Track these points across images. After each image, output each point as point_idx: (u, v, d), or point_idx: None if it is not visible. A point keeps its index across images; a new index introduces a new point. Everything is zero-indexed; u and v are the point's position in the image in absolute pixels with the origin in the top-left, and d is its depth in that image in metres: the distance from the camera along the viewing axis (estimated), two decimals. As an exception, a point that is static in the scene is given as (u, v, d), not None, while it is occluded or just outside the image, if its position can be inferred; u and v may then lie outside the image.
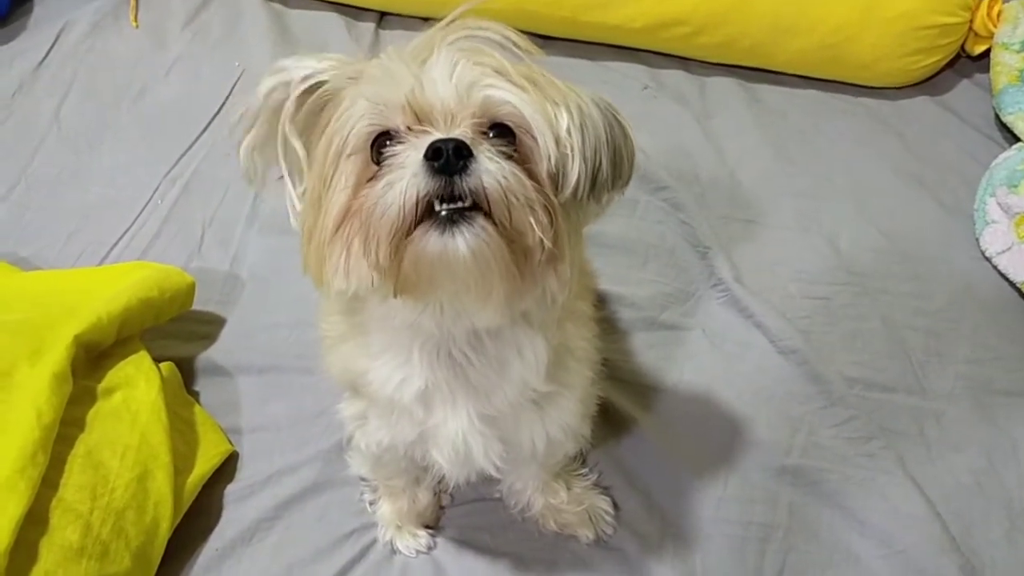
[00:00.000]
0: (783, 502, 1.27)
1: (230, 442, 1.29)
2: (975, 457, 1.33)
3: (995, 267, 1.57)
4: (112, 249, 1.55)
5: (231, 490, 1.26)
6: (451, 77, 0.73)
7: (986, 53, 1.90)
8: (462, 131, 0.73)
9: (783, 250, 1.61)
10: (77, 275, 1.35)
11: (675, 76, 1.95)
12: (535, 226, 0.72)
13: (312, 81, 0.79)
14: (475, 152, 0.70)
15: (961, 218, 1.67)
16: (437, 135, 0.72)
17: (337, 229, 0.75)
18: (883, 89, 1.92)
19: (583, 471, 1.28)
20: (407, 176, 0.71)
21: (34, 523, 1.02)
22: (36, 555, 1.01)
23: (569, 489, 1.23)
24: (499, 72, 0.75)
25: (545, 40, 1.96)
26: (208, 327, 1.44)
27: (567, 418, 0.99)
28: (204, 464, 1.23)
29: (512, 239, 0.73)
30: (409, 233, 0.71)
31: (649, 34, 1.91)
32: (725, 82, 1.94)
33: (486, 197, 0.70)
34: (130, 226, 1.58)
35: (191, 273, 1.41)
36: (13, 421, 1.06)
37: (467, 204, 0.71)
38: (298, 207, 0.83)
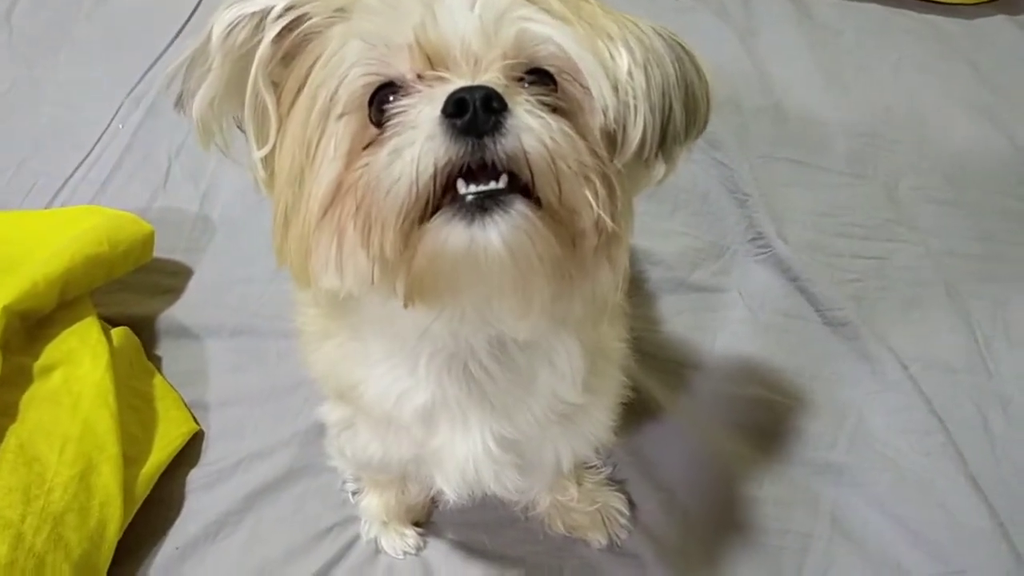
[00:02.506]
0: (825, 506, 1.11)
1: (195, 420, 1.14)
2: (1047, 453, 1.17)
3: (1077, 226, 1.38)
4: (67, 181, 1.39)
5: (195, 476, 1.11)
6: (473, 5, 0.56)
7: (1078, -36, 1.66)
8: (491, 77, 0.55)
9: (833, 198, 1.44)
10: (13, 221, 1.17)
11: (716, -16, 1.72)
12: (592, 202, 0.55)
13: (292, 16, 0.60)
14: (510, 104, 0.53)
15: (1040, 165, 1.47)
16: (459, 82, 0.54)
17: (325, 212, 0.57)
18: (956, 5, 1.70)
19: (597, 463, 1.12)
20: (420, 139, 0.53)
21: (-48, 536, 0.88)
22: (-46, 574, 0.87)
23: (580, 485, 1.07)
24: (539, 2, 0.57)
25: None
26: (173, 279, 1.27)
27: (596, 430, 0.83)
28: (163, 449, 1.08)
29: (562, 222, 0.55)
30: (424, 219, 0.54)
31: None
32: (773, -7, 1.71)
33: (528, 165, 0.53)
34: (87, 155, 1.42)
35: (155, 213, 1.26)
36: (-75, 412, 0.91)
37: (500, 185, 0.53)
38: (262, 175, 0.63)
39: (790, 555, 1.08)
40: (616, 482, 1.11)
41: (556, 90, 0.58)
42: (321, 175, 0.57)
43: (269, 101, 0.61)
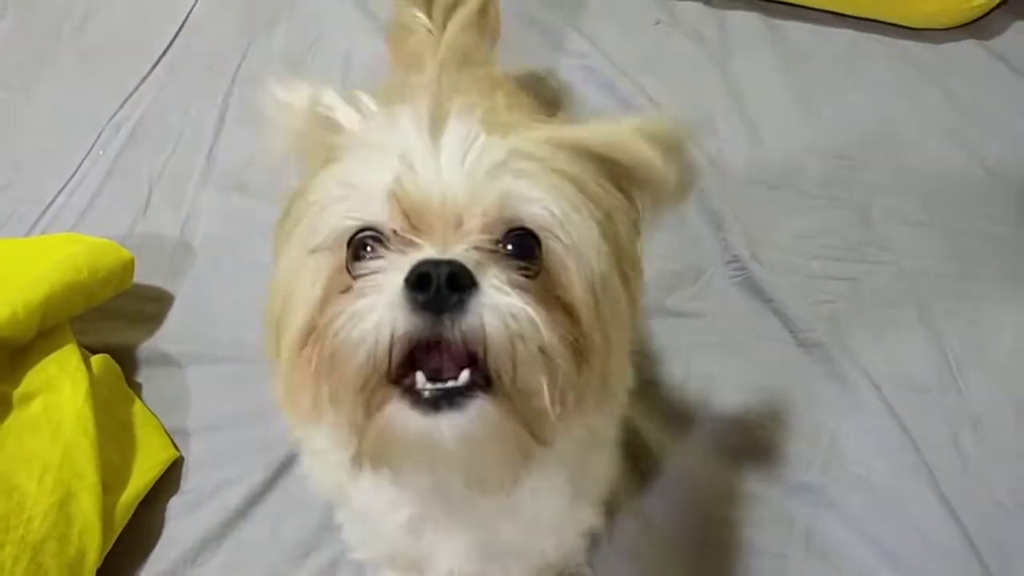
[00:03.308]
0: (800, 526, 1.12)
1: (175, 446, 1.15)
2: (1015, 469, 1.18)
3: (1047, 247, 1.40)
4: (48, 207, 1.38)
5: (174, 503, 1.12)
6: (462, 159, 0.54)
7: (1044, -9, 1.68)
8: (466, 246, 0.53)
9: (807, 220, 1.44)
10: (-6, 252, 1.17)
11: (691, 9, 1.75)
12: (547, 389, 0.53)
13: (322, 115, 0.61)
14: (479, 281, 0.52)
15: (1009, 186, 1.48)
16: (428, 252, 0.53)
17: (301, 347, 0.57)
18: (926, 31, 1.71)
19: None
20: (381, 307, 0.52)
21: (-69, 565, 0.88)
22: (-67, 604, 0.87)
23: None
24: (529, 156, 0.55)
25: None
26: (154, 306, 1.28)
27: (586, 522, 0.83)
28: (142, 476, 1.08)
29: (518, 405, 0.54)
30: (384, 383, 0.53)
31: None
32: (747, 18, 1.74)
33: (485, 346, 0.51)
34: (68, 180, 1.42)
35: (136, 240, 1.26)
36: (-94, 442, 0.90)
37: (459, 383, 0.52)
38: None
39: (767, 575, 1.09)
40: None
41: (537, 251, 0.56)
42: (297, 310, 0.57)
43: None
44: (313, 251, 0.57)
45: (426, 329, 0.51)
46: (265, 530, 1.10)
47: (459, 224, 0.54)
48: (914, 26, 1.70)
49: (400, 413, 0.53)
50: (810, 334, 1.28)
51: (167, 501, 1.11)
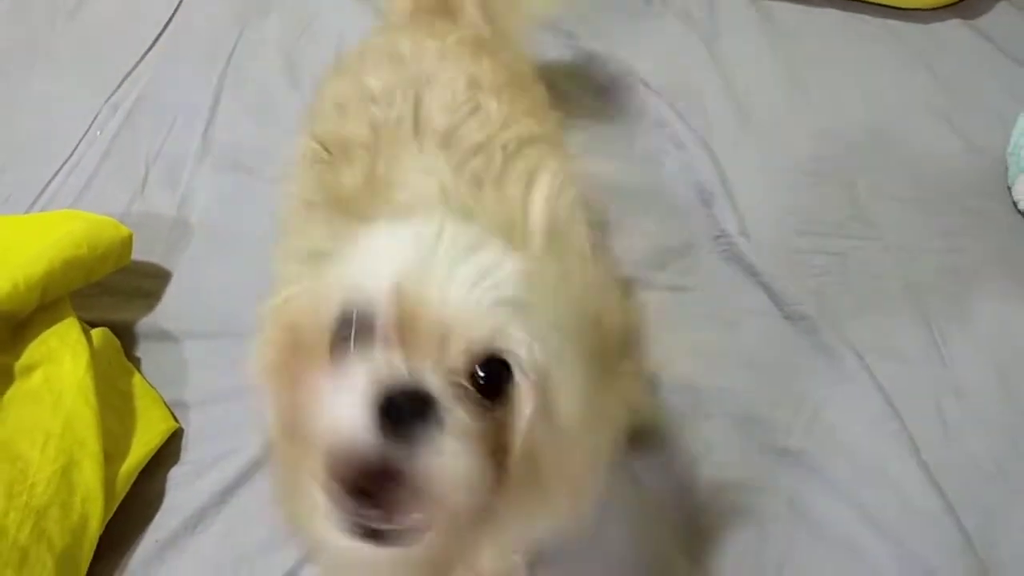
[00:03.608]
0: (784, 491, 1.15)
1: (174, 418, 1.16)
2: (998, 440, 1.21)
3: (1027, 220, 1.42)
4: (45, 188, 1.40)
5: (175, 473, 1.13)
6: (475, 285, 0.55)
7: (1029, -30, 1.71)
8: (444, 370, 0.54)
9: (795, 197, 1.47)
10: (-6, 227, 1.19)
11: (681, -10, 1.76)
12: (476, 527, 0.57)
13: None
14: (442, 419, 0.52)
15: (992, 162, 1.51)
16: (400, 374, 0.53)
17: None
18: (912, 11, 1.74)
19: None
20: (342, 415, 0.53)
21: (-63, 530, 0.90)
22: (-60, 567, 0.89)
23: None
24: (523, 305, 0.56)
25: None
26: (151, 283, 1.29)
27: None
28: (143, 446, 1.10)
29: (452, 533, 0.57)
30: (331, 479, 0.55)
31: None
32: (736, -1, 1.75)
33: (425, 492, 0.53)
34: (65, 162, 1.43)
35: (133, 218, 1.27)
36: (-89, 412, 0.93)
37: (391, 527, 0.54)
38: None
39: (751, 538, 1.11)
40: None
41: (509, 385, 0.57)
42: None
43: None
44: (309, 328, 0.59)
45: (377, 447, 0.52)
46: (264, 498, 1.12)
47: (445, 340, 0.55)
48: (901, 6, 1.73)
49: (336, 529, 0.55)
50: (796, 307, 1.31)
51: (167, 471, 1.13)
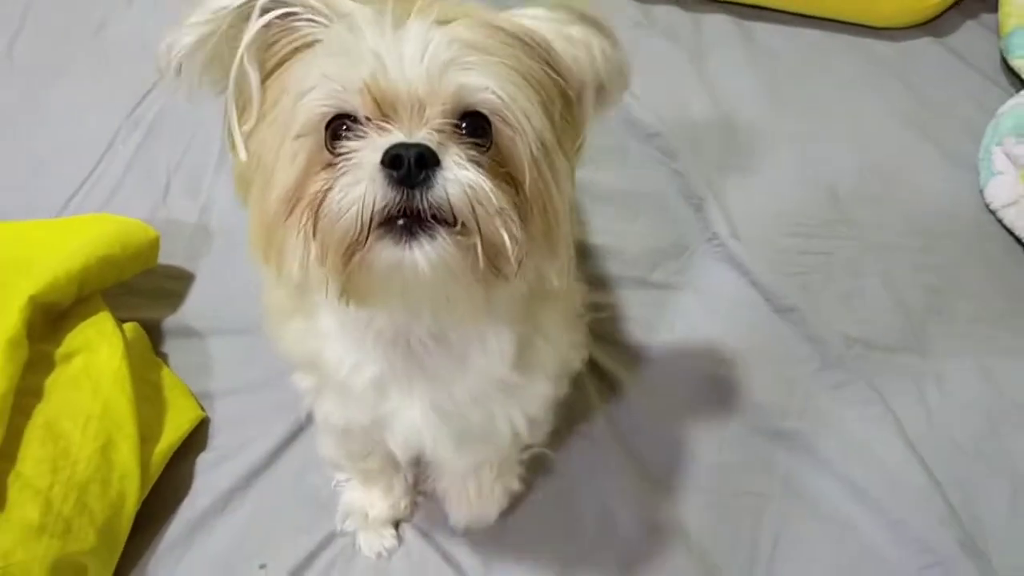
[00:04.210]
0: (779, 470, 1.22)
1: (201, 408, 1.22)
2: (977, 421, 1.29)
3: (1000, 220, 1.51)
4: (71, 199, 1.46)
5: (203, 458, 1.19)
6: (422, 57, 0.63)
7: (994, -8, 1.82)
8: (428, 129, 0.64)
9: (780, 201, 1.55)
10: (30, 228, 1.26)
11: (667, 12, 1.86)
12: (507, 238, 0.65)
13: (280, 11, 0.68)
14: (441, 159, 0.62)
15: (965, 168, 1.60)
16: (398, 136, 0.63)
17: (288, 214, 0.67)
18: (885, 30, 1.84)
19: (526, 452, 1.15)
20: (363, 182, 0.62)
21: (-10, 501, 0.96)
22: (-7, 534, 0.95)
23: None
24: (478, 48, 0.65)
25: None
26: (176, 283, 1.36)
27: (532, 404, 0.92)
28: (173, 432, 1.16)
29: (483, 245, 0.65)
30: (364, 242, 0.64)
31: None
32: (719, 19, 1.86)
33: (452, 211, 0.63)
34: (90, 173, 1.49)
35: (156, 225, 1.33)
36: (-37, 391, 0.99)
37: (430, 225, 0.63)
38: (242, 149, 0.71)
39: (747, 515, 1.17)
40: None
41: (489, 130, 0.66)
42: (279, 180, 0.66)
43: (253, 79, 0.68)
44: (297, 136, 0.66)
45: (400, 200, 0.62)
46: (288, 481, 1.17)
47: (422, 111, 0.64)
48: (875, 25, 1.83)
49: (380, 247, 0.63)
50: (784, 300, 1.38)
51: (196, 457, 1.19)
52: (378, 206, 0.62)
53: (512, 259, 0.66)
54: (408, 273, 0.64)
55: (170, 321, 1.32)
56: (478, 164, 0.64)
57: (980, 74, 1.76)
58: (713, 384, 1.30)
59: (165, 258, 1.35)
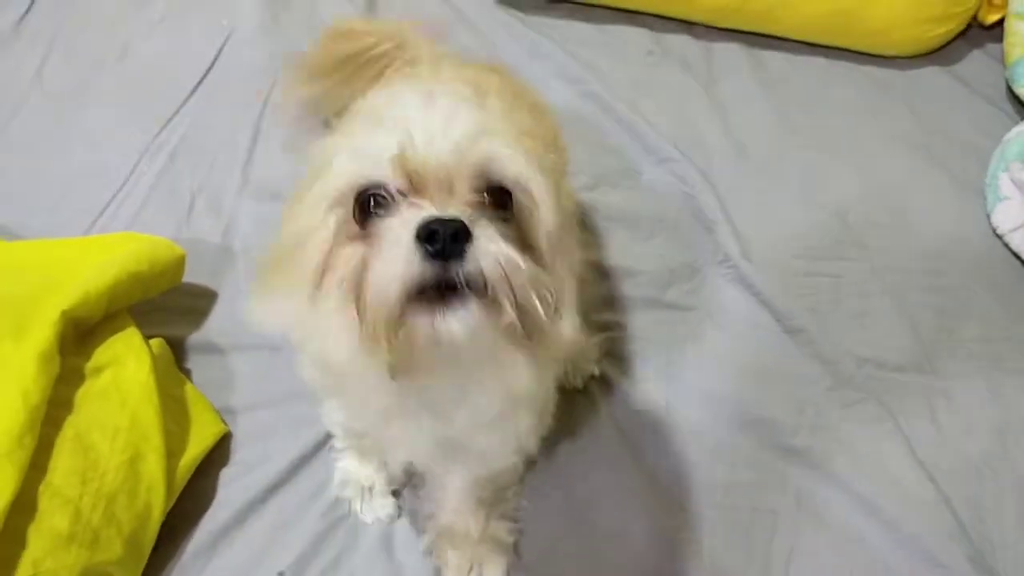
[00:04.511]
0: (791, 486, 1.24)
1: (224, 422, 1.25)
2: (986, 439, 1.31)
3: (1006, 245, 1.54)
4: (98, 219, 1.49)
5: (224, 473, 1.22)
6: (449, 130, 0.67)
7: (999, 23, 1.86)
8: (459, 203, 0.67)
9: (789, 224, 1.58)
10: (61, 246, 1.29)
11: (680, 41, 1.90)
12: (538, 303, 0.67)
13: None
14: (474, 233, 0.64)
15: (972, 193, 1.64)
16: (431, 211, 0.65)
17: (320, 284, 0.70)
18: (892, 58, 1.87)
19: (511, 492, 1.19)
20: (400, 257, 0.64)
21: (22, 509, 0.98)
22: (24, 542, 0.97)
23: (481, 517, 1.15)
24: (503, 124, 0.69)
25: (546, 3, 1.91)
26: (200, 301, 1.39)
27: (518, 437, 0.94)
28: (197, 446, 1.18)
29: (518, 313, 0.67)
30: (403, 314, 0.66)
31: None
32: (729, 48, 1.89)
33: (485, 282, 0.65)
34: (116, 194, 1.52)
35: (181, 244, 1.36)
36: (-3, 402, 1.01)
37: (464, 295, 0.66)
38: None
39: (761, 530, 1.20)
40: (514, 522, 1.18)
41: (511, 201, 0.69)
42: (312, 252, 0.69)
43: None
44: (331, 207, 0.69)
45: (436, 274, 0.64)
46: (307, 495, 1.20)
47: (450, 184, 0.67)
48: (883, 54, 1.86)
49: (418, 319, 0.66)
50: (795, 321, 1.41)
51: (218, 471, 1.21)
52: (415, 280, 0.64)
53: (543, 323, 0.68)
54: (446, 341, 0.66)
55: (194, 338, 1.35)
56: (504, 235, 0.66)
57: (986, 102, 1.80)
58: (726, 402, 1.33)
59: (189, 276, 1.37)
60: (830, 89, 1.82)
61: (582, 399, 1.31)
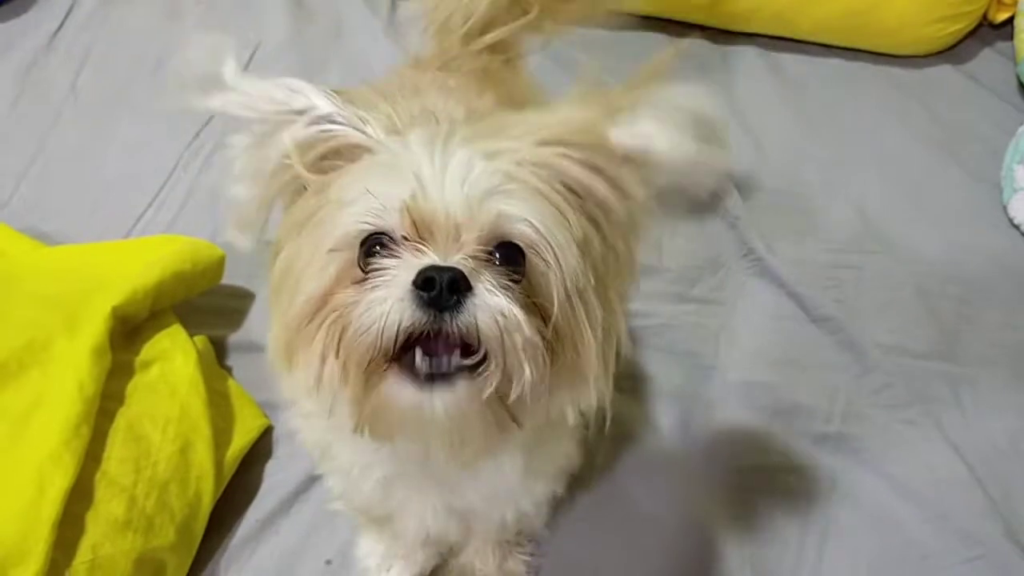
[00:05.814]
0: (825, 471, 1.26)
1: (266, 416, 1.27)
2: (1011, 421, 1.33)
3: (1023, 234, 1.57)
4: (136, 224, 1.53)
5: (269, 466, 1.25)
6: (464, 183, 0.63)
7: (1008, 21, 1.90)
8: (463, 255, 0.63)
9: (812, 220, 1.61)
10: (106, 248, 1.33)
11: (697, 45, 1.92)
12: (529, 370, 0.63)
13: (322, 127, 0.69)
14: (474, 285, 0.61)
15: (988, 186, 1.66)
16: (432, 258, 0.62)
17: (309, 320, 0.66)
18: (906, 57, 1.91)
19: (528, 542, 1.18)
20: (392, 300, 0.61)
21: (80, 497, 1.01)
22: (83, 528, 1.00)
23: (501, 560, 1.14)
24: (519, 181, 0.65)
25: (564, 8, 1.95)
26: (238, 302, 1.42)
27: (534, 504, 0.93)
28: (242, 437, 1.21)
29: (502, 386, 0.63)
30: (385, 363, 0.63)
31: (671, 1, 1.89)
32: (747, 51, 1.94)
33: (479, 337, 0.61)
34: (153, 200, 1.57)
35: (218, 247, 1.39)
36: (55, 394, 1.05)
37: (450, 369, 0.62)
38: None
39: (795, 514, 1.22)
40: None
41: (523, 261, 0.65)
42: (305, 288, 0.66)
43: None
44: (331, 250, 0.66)
45: (428, 322, 0.61)
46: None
47: (458, 236, 0.63)
48: (896, 53, 1.90)
49: (399, 386, 0.63)
50: (821, 311, 1.44)
51: (263, 464, 1.24)
52: (404, 325, 0.61)
53: (528, 401, 0.64)
54: (425, 416, 0.63)
55: (234, 337, 1.38)
56: (509, 293, 0.62)
57: (998, 98, 1.83)
58: (757, 391, 1.35)
59: (227, 278, 1.40)
60: (846, 89, 1.86)
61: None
